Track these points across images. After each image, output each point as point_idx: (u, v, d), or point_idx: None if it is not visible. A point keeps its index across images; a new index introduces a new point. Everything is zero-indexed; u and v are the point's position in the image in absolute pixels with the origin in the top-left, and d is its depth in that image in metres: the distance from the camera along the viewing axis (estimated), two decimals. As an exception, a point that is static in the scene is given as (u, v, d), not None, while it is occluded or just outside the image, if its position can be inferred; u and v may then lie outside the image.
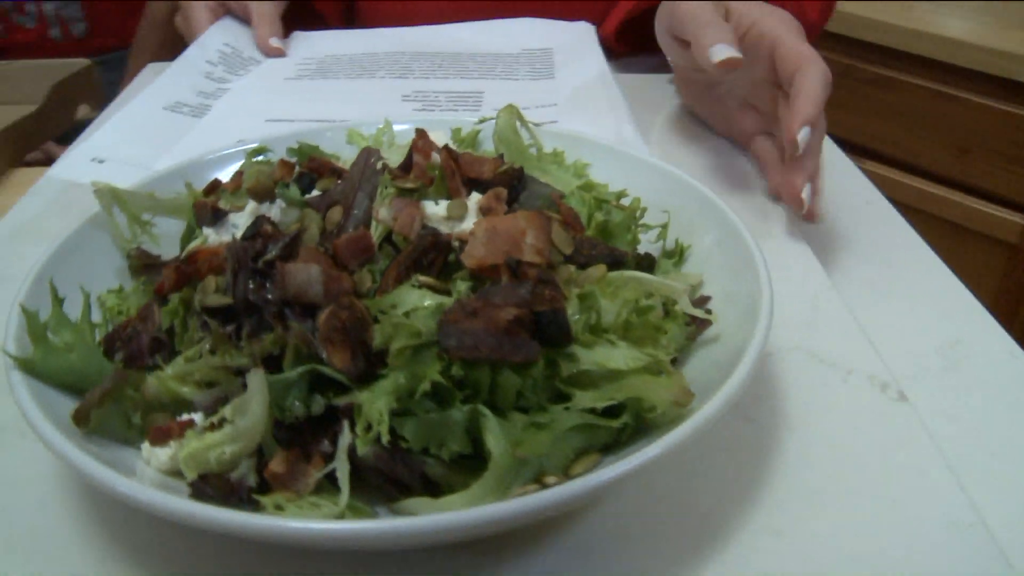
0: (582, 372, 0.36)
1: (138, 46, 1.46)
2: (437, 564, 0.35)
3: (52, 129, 1.03)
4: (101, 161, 0.68)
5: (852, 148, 1.69)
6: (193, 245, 0.44)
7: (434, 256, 0.40)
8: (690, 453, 0.40)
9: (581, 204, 0.47)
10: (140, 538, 0.36)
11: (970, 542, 0.36)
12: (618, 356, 0.36)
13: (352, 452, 0.33)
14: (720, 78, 0.63)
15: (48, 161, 0.75)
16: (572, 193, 0.48)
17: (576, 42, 0.94)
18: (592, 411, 0.35)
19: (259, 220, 0.41)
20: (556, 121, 0.74)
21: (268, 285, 0.37)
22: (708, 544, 0.36)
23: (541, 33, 0.97)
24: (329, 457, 0.34)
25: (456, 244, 0.40)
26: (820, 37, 1.65)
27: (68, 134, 0.84)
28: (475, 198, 0.43)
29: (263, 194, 0.44)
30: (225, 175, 0.50)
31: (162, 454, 0.35)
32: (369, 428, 0.32)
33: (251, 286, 0.37)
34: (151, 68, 0.94)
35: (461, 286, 0.37)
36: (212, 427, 0.34)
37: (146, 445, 0.35)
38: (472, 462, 0.34)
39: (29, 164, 0.89)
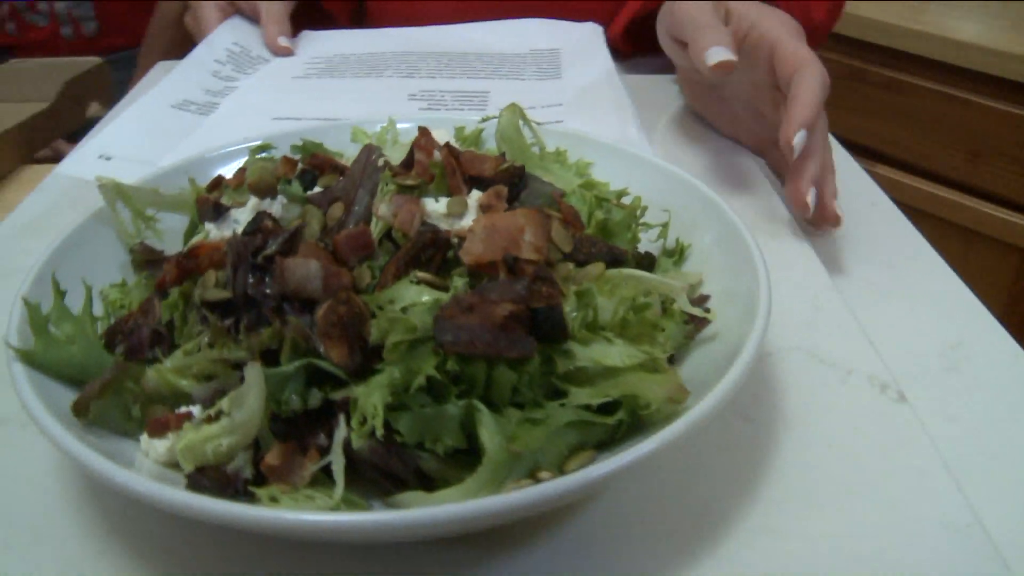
0: (579, 369, 0.36)
1: (148, 45, 1.48)
2: (433, 558, 0.35)
3: (63, 126, 1.04)
4: (108, 158, 0.68)
5: (862, 151, 1.70)
6: (195, 240, 0.44)
7: (433, 253, 0.40)
8: (688, 451, 0.40)
9: (582, 202, 0.47)
10: (139, 530, 0.36)
11: (967, 543, 0.36)
12: (614, 353, 0.36)
13: (347, 446, 0.33)
14: (716, 81, 0.63)
15: (57, 158, 0.75)
16: (573, 192, 0.48)
17: (584, 43, 0.94)
18: (587, 408, 0.35)
19: (260, 216, 0.42)
20: (561, 121, 0.74)
21: (267, 280, 0.38)
22: (704, 542, 0.36)
23: (549, 33, 0.98)
24: (325, 451, 0.34)
25: (455, 241, 0.40)
26: (830, 40, 1.65)
27: (78, 132, 0.85)
28: (475, 196, 0.44)
29: (265, 190, 0.44)
30: (229, 171, 0.51)
31: (160, 446, 0.35)
32: (364, 422, 0.33)
33: (250, 281, 0.38)
34: (160, 66, 0.95)
35: (458, 282, 0.37)
36: (209, 420, 0.34)
37: (144, 437, 0.36)
38: (467, 457, 0.34)
39: (39, 161, 0.89)
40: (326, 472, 0.34)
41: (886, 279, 0.57)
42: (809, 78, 0.58)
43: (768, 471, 0.39)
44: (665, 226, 0.49)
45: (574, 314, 0.37)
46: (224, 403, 0.34)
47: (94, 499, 0.38)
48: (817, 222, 0.59)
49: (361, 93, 0.82)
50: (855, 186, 0.69)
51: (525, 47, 0.95)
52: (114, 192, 0.47)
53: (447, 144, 0.46)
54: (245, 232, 0.41)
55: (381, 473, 0.34)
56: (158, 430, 0.35)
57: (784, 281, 0.53)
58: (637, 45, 0.94)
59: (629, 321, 0.38)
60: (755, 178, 0.67)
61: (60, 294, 0.41)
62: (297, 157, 0.51)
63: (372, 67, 0.88)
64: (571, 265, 0.41)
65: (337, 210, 0.44)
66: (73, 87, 1.05)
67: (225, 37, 0.93)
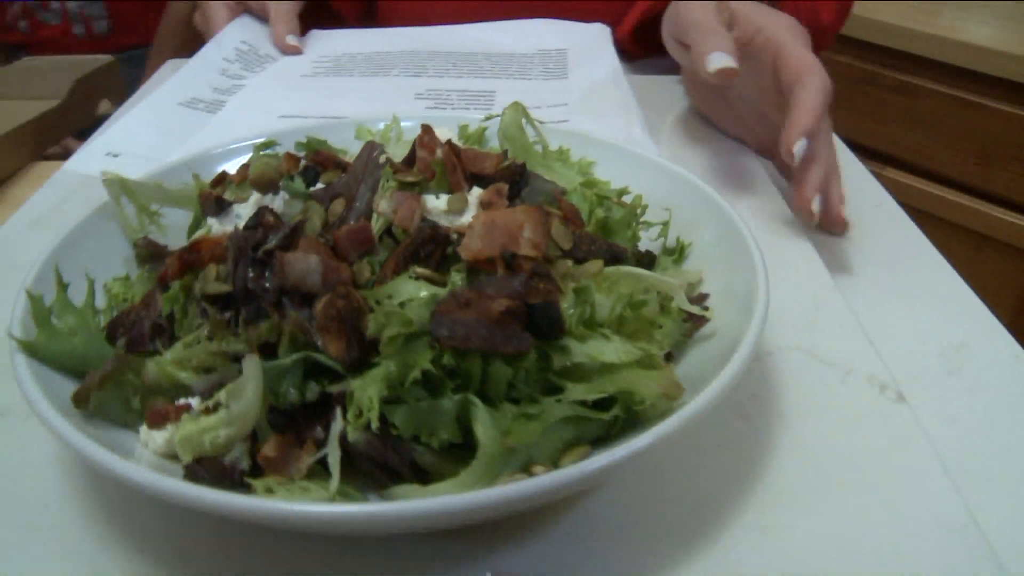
0: (575, 365, 0.36)
1: (158, 45, 1.49)
2: (430, 551, 0.35)
3: (74, 124, 1.04)
4: (115, 155, 0.69)
5: (872, 154, 1.69)
6: (197, 234, 0.44)
7: (432, 248, 0.40)
8: (685, 449, 0.40)
9: (583, 200, 0.47)
10: (137, 519, 0.37)
11: (963, 543, 0.36)
12: (610, 349, 0.36)
13: (344, 438, 0.34)
14: (718, 85, 0.63)
15: (66, 155, 0.76)
16: (574, 190, 0.48)
17: (591, 43, 0.94)
18: (583, 403, 0.35)
19: (261, 211, 0.42)
20: (566, 120, 0.74)
21: (267, 274, 0.38)
22: (699, 539, 0.36)
23: (557, 34, 0.98)
24: (322, 443, 0.34)
25: (454, 237, 0.40)
26: (842, 43, 1.65)
27: (88, 129, 0.85)
28: (476, 193, 0.44)
29: (267, 186, 0.45)
30: (233, 168, 0.51)
31: (159, 437, 0.35)
32: (360, 415, 0.33)
33: (250, 274, 0.38)
34: (170, 64, 0.96)
35: (456, 277, 0.37)
36: (207, 411, 0.35)
37: (144, 428, 0.36)
38: (463, 452, 0.34)
39: (48, 158, 0.90)
40: (323, 465, 0.34)
41: (889, 280, 0.57)
42: (811, 84, 0.58)
43: (765, 469, 0.39)
44: (666, 225, 0.49)
45: (571, 311, 0.37)
46: (222, 395, 0.34)
47: (94, 489, 0.38)
48: (825, 227, 0.59)
49: (368, 92, 0.82)
50: (860, 188, 0.69)
51: (532, 47, 0.95)
52: (119, 187, 0.48)
53: (448, 141, 0.46)
54: (246, 227, 0.42)
55: (377, 466, 0.34)
56: (157, 421, 0.36)
57: (786, 281, 0.53)
58: (646, 47, 0.94)
59: (626, 318, 0.38)
60: (759, 179, 0.67)
61: (63, 286, 0.41)
62: (301, 154, 0.51)
63: (379, 66, 0.89)
64: (570, 262, 0.41)
65: (339, 206, 0.44)
66: (84, 85, 1.05)
67: (234, 36, 0.93)
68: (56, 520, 0.37)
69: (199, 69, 0.86)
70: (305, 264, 0.37)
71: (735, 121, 0.72)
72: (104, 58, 1.12)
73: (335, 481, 0.33)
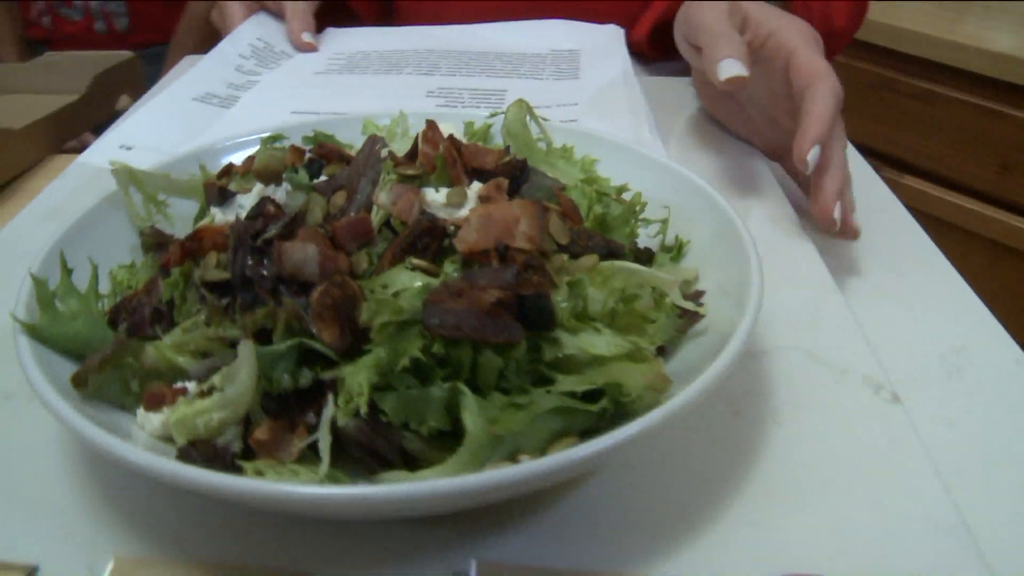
0: (567, 357, 0.36)
1: (177, 42, 1.51)
2: (416, 539, 0.36)
3: (93, 118, 1.06)
4: (129, 148, 0.70)
5: (891, 162, 1.68)
6: (200, 224, 0.45)
7: (429, 240, 0.40)
8: (676, 443, 0.40)
9: (582, 197, 0.47)
10: (133, 501, 0.38)
11: (951, 544, 0.36)
12: (601, 342, 0.36)
13: (335, 424, 0.34)
14: (727, 91, 0.63)
15: (83, 149, 0.77)
16: (574, 186, 0.49)
17: (604, 44, 0.95)
18: (572, 395, 0.35)
19: (263, 201, 0.43)
20: (575, 120, 0.75)
21: (265, 262, 0.39)
22: (685, 531, 0.36)
23: (570, 35, 0.98)
24: (313, 428, 0.35)
25: (451, 229, 0.41)
26: (861, 49, 1.64)
27: (105, 123, 0.87)
28: (476, 187, 0.44)
29: (270, 177, 0.45)
30: (240, 160, 0.52)
31: (155, 419, 0.36)
32: (350, 400, 0.33)
33: (249, 262, 0.39)
34: (187, 60, 0.97)
35: (449, 268, 0.38)
36: (202, 395, 0.35)
37: (141, 410, 0.37)
38: (452, 441, 0.34)
39: (66, 152, 0.91)
40: (314, 450, 0.35)
41: (893, 283, 0.57)
42: (822, 91, 0.57)
43: (756, 465, 0.40)
44: (664, 222, 0.49)
45: (565, 304, 0.38)
46: (216, 379, 0.35)
47: (92, 470, 0.39)
48: (835, 235, 0.59)
49: (380, 89, 0.83)
50: (867, 191, 0.68)
51: (545, 47, 0.96)
52: (127, 176, 0.49)
53: (450, 136, 0.47)
54: (248, 216, 0.42)
55: (366, 452, 0.35)
56: (154, 403, 0.36)
57: (787, 282, 0.53)
58: (662, 49, 0.94)
59: (618, 312, 0.38)
60: (766, 182, 0.67)
61: (67, 271, 0.42)
62: (307, 147, 0.52)
63: (392, 64, 0.90)
64: (565, 256, 0.41)
65: (340, 198, 0.45)
66: (103, 80, 1.07)
67: (249, 32, 0.94)
68: (54, 500, 0.38)
69: (214, 65, 0.87)
70: (303, 253, 0.38)
71: (745, 124, 0.72)
72: (124, 54, 1.14)
73: (324, 465, 0.33)
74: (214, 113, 0.77)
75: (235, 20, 0.96)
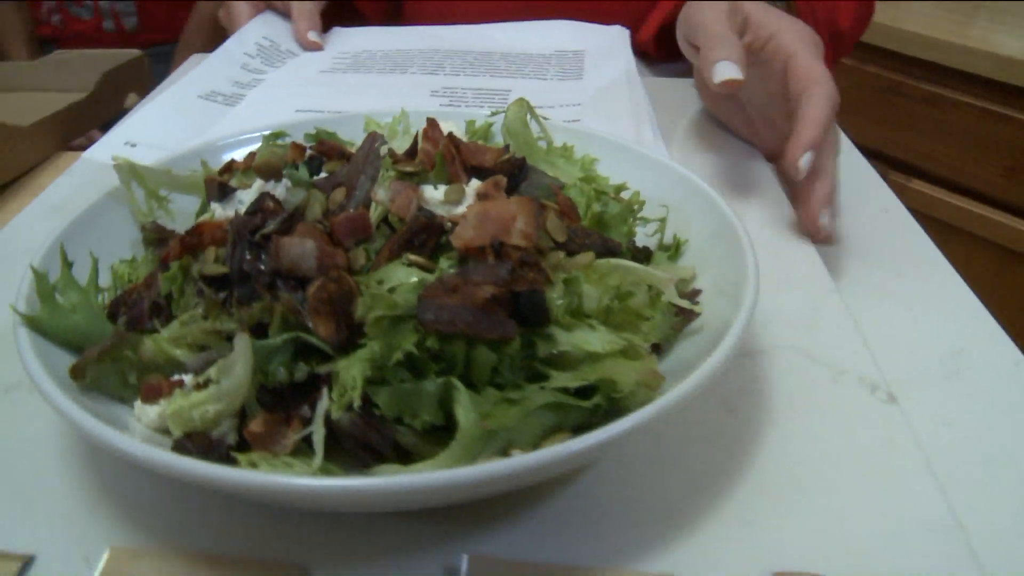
0: (561, 353, 0.36)
1: (185, 42, 1.52)
2: (408, 533, 0.36)
3: (101, 116, 1.06)
4: (133, 145, 0.70)
5: (899, 166, 1.68)
6: (201, 219, 0.45)
7: (426, 237, 0.41)
8: (670, 440, 0.41)
9: (580, 195, 0.47)
10: (129, 492, 0.38)
11: (943, 544, 0.36)
12: (595, 339, 0.36)
13: (329, 418, 0.34)
14: (721, 93, 0.63)
15: (90, 146, 0.78)
16: (573, 185, 0.49)
17: (609, 45, 0.95)
18: (565, 391, 0.35)
19: (262, 196, 0.43)
20: (578, 120, 0.75)
21: (263, 256, 0.39)
22: (677, 528, 0.36)
23: (575, 35, 0.98)
24: (308, 421, 0.35)
25: (449, 226, 0.41)
26: (869, 52, 1.64)
27: (112, 121, 0.87)
28: (474, 185, 0.44)
29: (270, 173, 0.46)
30: (242, 157, 0.52)
31: (152, 411, 0.36)
32: (344, 394, 0.34)
33: (247, 257, 0.39)
34: (193, 59, 0.97)
35: (445, 264, 0.38)
36: (199, 387, 0.36)
37: (138, 403, 0.37)
38: (446, 436, 0.34)
39: (73, 149, 0.92)
40: (308, 443, 0.35)
41: (893, 284, 0.57)
42: (817, 96, 0.57)
43: (750, 463, 0.40)
44: (663, 221, 0.49)
45: (560, 300, 0.38)
46: (212, 371, 0.35)
47: (89, 461, 0.39)
48: (812, 239, 0.59)
49: (384, 88, 0.83)
50: (869, 191, 0.68)
51: (550, 48, 0.96)
52: (129, 172, 0.49)
53: (449, 133, 0.47)
54: (247, 212, 0.43)
55: (360, 445, 0.35)
56: (151, 396, 0.37)
57: (786, 282, 0.53)
58: (668, 50, 0.94)
59: (613, 309, 0.38)
60: (767, 183, 0.67)
61: (68, 264, 0.42)
62: (308, 145, 0.52)
63: (397, 63, 0.90)
64: (562, 254, 0.41)
65: (339, 195, 0.45)
66: (112, 78, 1.07)
67: (256, 31, 0.95)
68: (52, 491, 0.38)
69: (220, 63, 0.88)
70: (301, 248, 0.38)
71: (745, 124, 0.72)
72: (132, 52, 1.14)
73: (318, 458, 0.34)
74: (219, 111, 0.78)
75: (242, 19, 0.97)
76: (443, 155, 0.45)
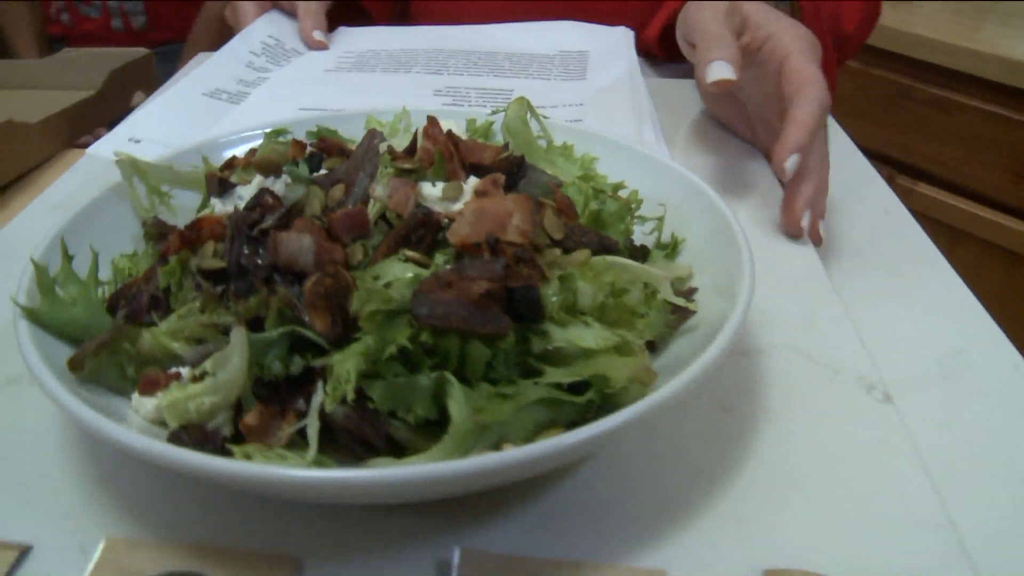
0: (555, 349, 0.37)
1: (193, 41, 1.53)
2: (401, 526, 0.36)
3: (108, 114, 1.07)
4: (137, 141, 0.71)
5: (906, 169, 1.67)
6: (201, 214, 0.46)
7: (423, 233, 0.41)
8: (663, 437, 0.41)
9: (578, 193, 0.48)
10: (126, 484, 0.38)
11: (936, 543, 0.36)
12: (589, 335, 0.36)
13: (323, 411, 0.35)
14: (713, 92, 0.63)
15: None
16: (572, 183, 0.49)
17: (613, 46, 0.95)
18: (558, 386, 0.35)
19: (261, 192, 0.43)
20: (580, 120, 0.75)
21: (261, 251, 0.39)
22: (670, 525, 0.36)
23: (580, 36, 0.99)
24: (303, 415, 0.35)
25: (446, 222, 0.41)
26: (877, 56, 1.63)
27: (118, 119, 0.88)
28: (472, 182, 0.45)
29: (269, 169, 0.46)
30: (243, 153, 0.52)
31: (149, 404, 0.37)
32: (338, 387, 0.34)
33: (245, 252, 0.39)
34: (200, 57, 0.98)
35: (440, 260, 0.38)
36: (195, 380, 0.36)
37: (135, 395, 0.37)
38: (439, 430, 0.35)
39: (79, 146, 0.93)
40: (303, 436, 0.35)
41: (893, 285, 0.57)
42: (807, 99, 0.57)
43: (744, 461, 0.40)
44: (660, 220, 0.49)
45: (555, 297, 0.38)
46: (208, 364, 0.36)
47: (87, 452, 0.40)
48: (795, 238, 0.59)
49: (388, 87, 0.84)
50: (869, 192, 0.68)
51: (554, 48, 0.96)
52: (130, 167, 0.49)
53: (448, 131, 0.47)
54: (246, 207, 0.43)
55: (354, 439, 0.35)
56: (149, 388, 0.37)
57: (784, 283, 0.53)
58: (672, 51, 0.94)
59: (607, 306, 0.38)
60: (767, 183, 0.67)
61: (68, 258, 0.43)
62: (309, 142, 0.53)
63: (401, 63, 0.90)
64: (558, 251, 0.41)
65: (338, 191, 0.45)
66: (119, 76, 1.08)
67: (261, 30, 0.95)
68: (50, 481, 0.39)
69: (225, 61, 0.88)
70: (298, 243, 0.39)
71: (744, 123, 0.73)
72: (140, 51, 1.15)
73: (312, 451, 0.34)
74: (223, 109, 0.78)
75: (248, 18, 0.97)
76: (442, 152, 0.45)
